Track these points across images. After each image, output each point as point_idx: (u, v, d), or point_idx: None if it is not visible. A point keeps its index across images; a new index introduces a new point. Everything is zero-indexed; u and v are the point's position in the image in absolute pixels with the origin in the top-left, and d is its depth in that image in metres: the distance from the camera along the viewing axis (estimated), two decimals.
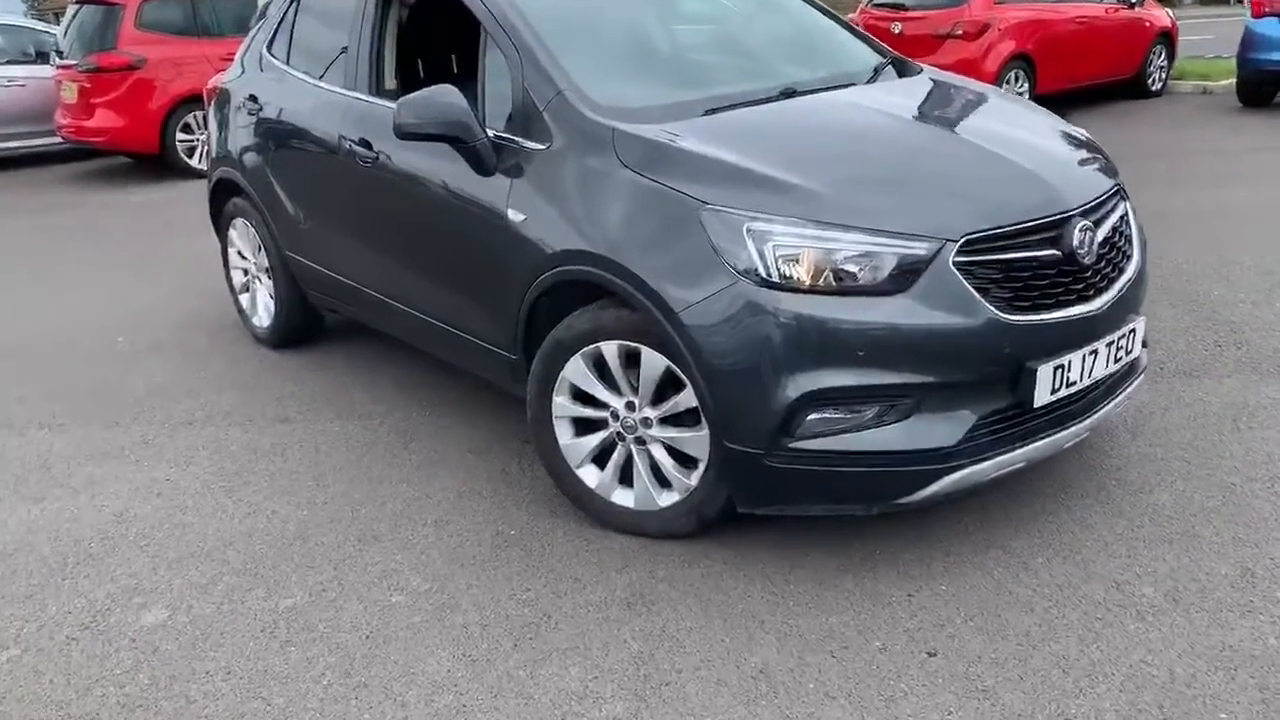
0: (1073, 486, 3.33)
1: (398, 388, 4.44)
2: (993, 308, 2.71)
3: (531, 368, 3.25)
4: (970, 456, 2.79)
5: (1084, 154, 3.25)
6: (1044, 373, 2.77)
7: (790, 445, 2.76)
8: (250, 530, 3.39)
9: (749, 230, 2.73)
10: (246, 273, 5.11)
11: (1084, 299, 2.89)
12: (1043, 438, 2.90)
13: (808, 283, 2.70)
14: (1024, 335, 2.76)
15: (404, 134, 3.33)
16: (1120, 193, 3.18)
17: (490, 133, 3.31)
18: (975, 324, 2.69)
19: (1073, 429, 2.97)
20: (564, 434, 3.25)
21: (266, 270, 4.87)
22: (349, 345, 4.98)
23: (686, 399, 2.95)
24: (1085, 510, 3.20)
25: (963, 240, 2.71)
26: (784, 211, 2.74)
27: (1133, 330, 3.05)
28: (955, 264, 2.69)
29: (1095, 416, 3.04)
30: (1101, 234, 2.97)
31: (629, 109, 3.20)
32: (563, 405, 3.21)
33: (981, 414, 2.81)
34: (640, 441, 3.11)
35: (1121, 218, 3.14)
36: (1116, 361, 3.03)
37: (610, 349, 3.04)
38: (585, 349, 3.09)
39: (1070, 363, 2.84)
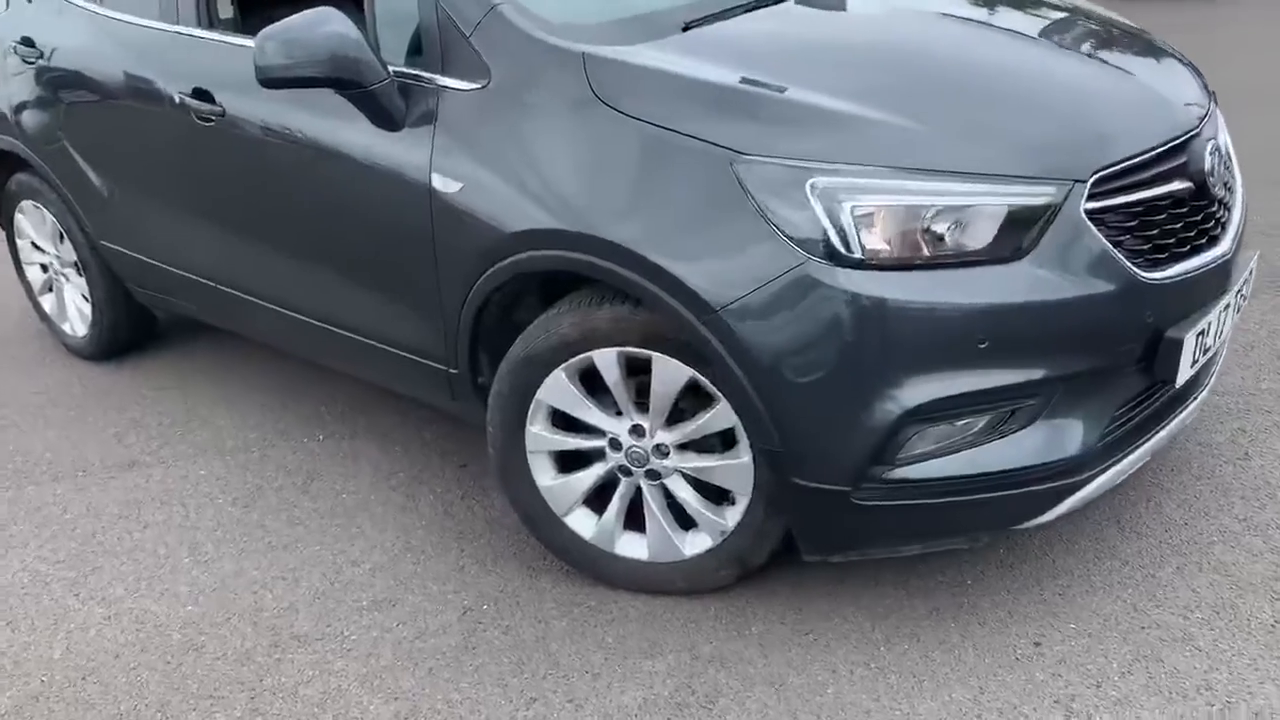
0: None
1: (275, 404, 3.48)
2: (1132, 265, 2.03)
3: (493, 390, 2.40)
4: (1106, 459, 2.15)
5: (1175, 59, 2.58)
6: (1189, 341, 2.12)
7: (887, 476, 2.04)
8: (113, 649, 2.44)
9: (814, 187, 1.95)
10: (46, 269, 3.98)
11: (1214, 240, 2.25)
12: (1170, 422, 2.28)
13: (903, 254, 1.94)
14: (1166, 296, 2.10)
15: (271, 79, 2.36)
16: (1215, 102, 2.54)
17: (390, 70, 2.38)
18: (1115, 289, 2.01)
19: (1194, 403, 2.35)
20: (544, 473, 2.43)
21: (75, 265, 3.76)
22: (197, 349, 3.94)
23: (718, 419, 2.17)
24: (1185, 490, 2.62)
25: (1093, 179, 2.00)
26: (860, 157, 1.96)
27: (1251, 270, 2.43)
28: (1087, 212, 1.99)
29: (1212, 380, 2.43)
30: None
31: (588, 26, 2.34)
32: (540, 436, 2.38)
33: (1117, 406, 2.15)
34: (653, 475, 2.33)
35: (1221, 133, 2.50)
36: (1239, 311, 2.42)
37: (607, 359, 2.23)
38: (570, 361, 2.26)
39: (1210, 324, 2.20)
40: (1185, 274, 2.13)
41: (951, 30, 2.47)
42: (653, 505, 2.36)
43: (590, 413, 2.31)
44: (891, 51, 2.30)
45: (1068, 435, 2.09)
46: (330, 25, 2.30)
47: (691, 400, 2.23)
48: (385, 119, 2.41)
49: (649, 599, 2.42)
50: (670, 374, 2.18)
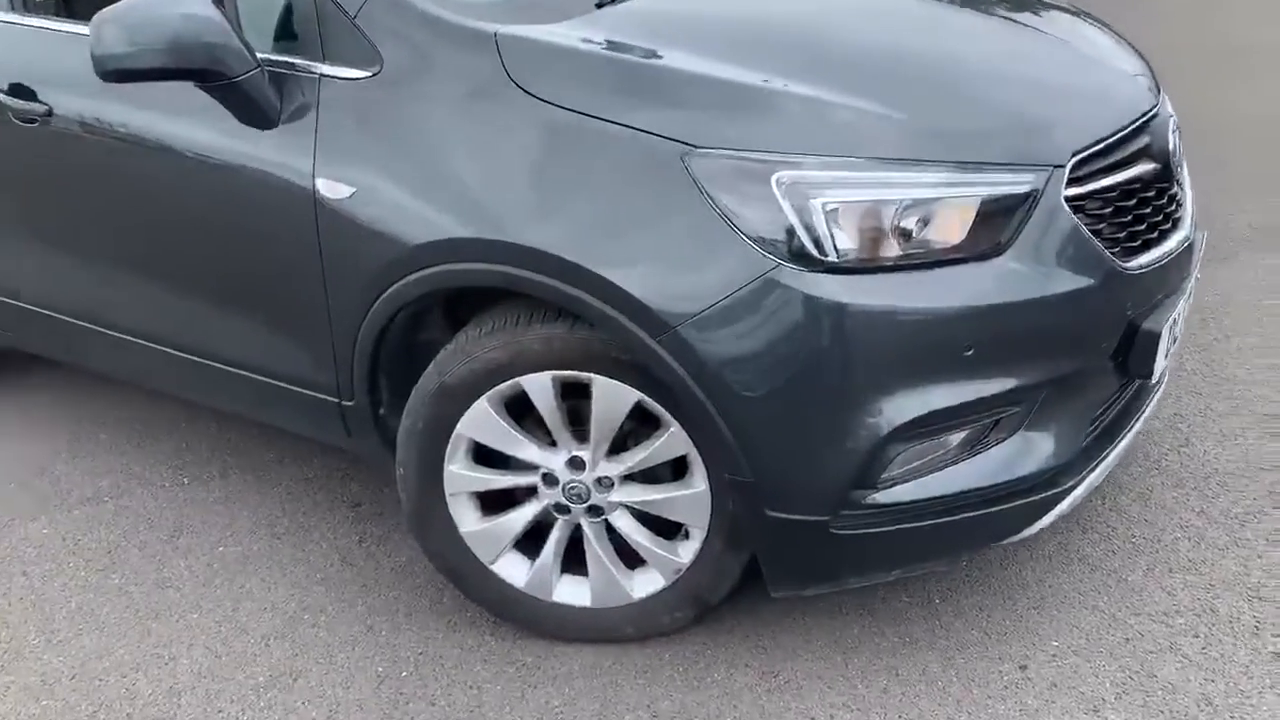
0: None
1: (128, 445, 3.03)
2: (1111, 256, 1.87)
3: (402, 425, 2.08)
4: (1088, 464, 2.00)
5: (1120, 38, 2.44)
6: (1165, 333, 1.98)
7: (868, 501, 1.83)
8: None
9: (779, 182, 1.71)
10: None
11: (1177, 223, 2.12)
12: (1138, 419, 2.15)
13: (879, 255, 1.73)
14: (1141, 286, 1.96)
15: (112, 72, 1.97)
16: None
17: (259, 58, 2.02)
18: (1097, 282, 1.85)
19: (1155, 398, 2.23)
20: (466, 517, 2.12)
21: None
22: (31, 384, 3.43)
23: (669, 446, 1.93)
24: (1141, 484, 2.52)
25: (1072, 162, 1.83)
26: (829, 146, 1.73)
27: (1201, 252, 2.33)
28: (1066, 199, 1.81)
29: (1166, 372, 2.32)
30: None
31: (491, 4, 2.04)
32: (461, 476, 2.08)
33: (1095, 407, 2.00)
34: (595, 511, 2.06)
35: None
36: (1191, 296, 2.31)
37: (539, 384, 1.95)
38: (495, 389, 1.97)
39: (1179, 313, 2.08)
40: (1156, 261, 2.00)
41: (902, 9, 2.26)
42: (595, 545, 2.09)
43: (521, 446, 2.03)
44: (841, 33, 2.07)
45: (1052, 442, 1.92)
46: (184, 4, 1.93)
47: (635, 425, 1.98)
48: (255, 115, 2.05)
49: (595, 650, 2.15)
50: (614, 398, 1.92)
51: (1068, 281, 1.81)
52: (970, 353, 1.75)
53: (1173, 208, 2.09)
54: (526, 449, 2.03)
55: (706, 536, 2.02)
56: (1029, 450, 1.90)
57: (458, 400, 1.99)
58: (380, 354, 2.11)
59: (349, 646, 2.22)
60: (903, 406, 1.75)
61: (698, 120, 1.76)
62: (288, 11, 2.09)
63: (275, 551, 2.54)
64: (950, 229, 1.75)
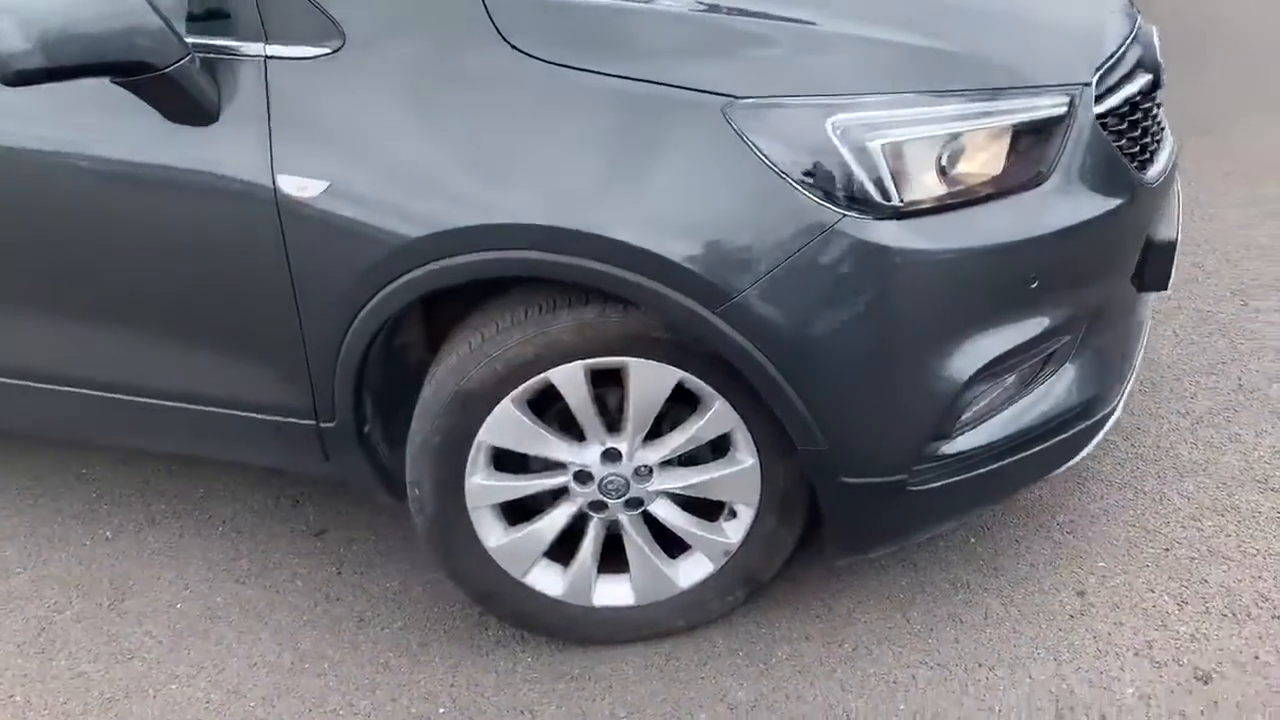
0: None
1: (24, 504, 2.62)
2: (1135, 170, 1.85)
3: (413, 443, 1.86)
4: (1121, 385, 1.98)
5: None
6: (1179, 241, 1.98)
7: (941, 452, 1.75)
8: None
9: (835, 127, 1.58)
10: None
11: (1164, 136, 2.12)
12: (1145, 336, 2.16)
13: (941, 194, 1.64)
14: (1155, 200, 1.95)
15: (15, 74, 1.63)
16: None
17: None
18: (1129, 198, 1.82)
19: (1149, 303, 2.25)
20: (491, 531, 1.93)
21: None
22: None
23: (714, 423, 1.80)
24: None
25: (1096, 79, 1.78)
26: (881, 82, 1.62)
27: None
28: (1095, 116, 1.77)
29: None
30: None
31: None
32: (485, 488, 1.89)
33: (1125, 326, 1.98)
34: (633, 503, 1.91)
35: None
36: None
37: (569, 376, 1.77)
38: (521, 388, 1.78)
39: (1181, 222, 2.09)
40: (1162, 173, 1.99)
41: None
42: (637, 538, 1.94)
43: (551, 445, 1.85)
44: None
45: (1095, 369, 1.90)
46: None
47: (668, 408, 1.83)
48: (189, 110, 1.75)
49: (643, 649, 2.02)
50: (654, 381, 1.77)
51: (1108, 200, 1.77)
52: (1035, 285, 1.69)
53: (1162, 122, 2.09)
54: (556, 448, 1.85)
55: (757, 513, 1.90)
56: (1076, 380, 1.87)
57: (479, 405, 1.79)
58: (366, 366, 1.88)
59: (369, 691, 2.00)
60: (979, 349, 1.67)
61: (734, 69, 1.61)
62: None
63: (244, 599, 2.26)
64: (1006, 157, 1.67)
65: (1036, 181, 1.70)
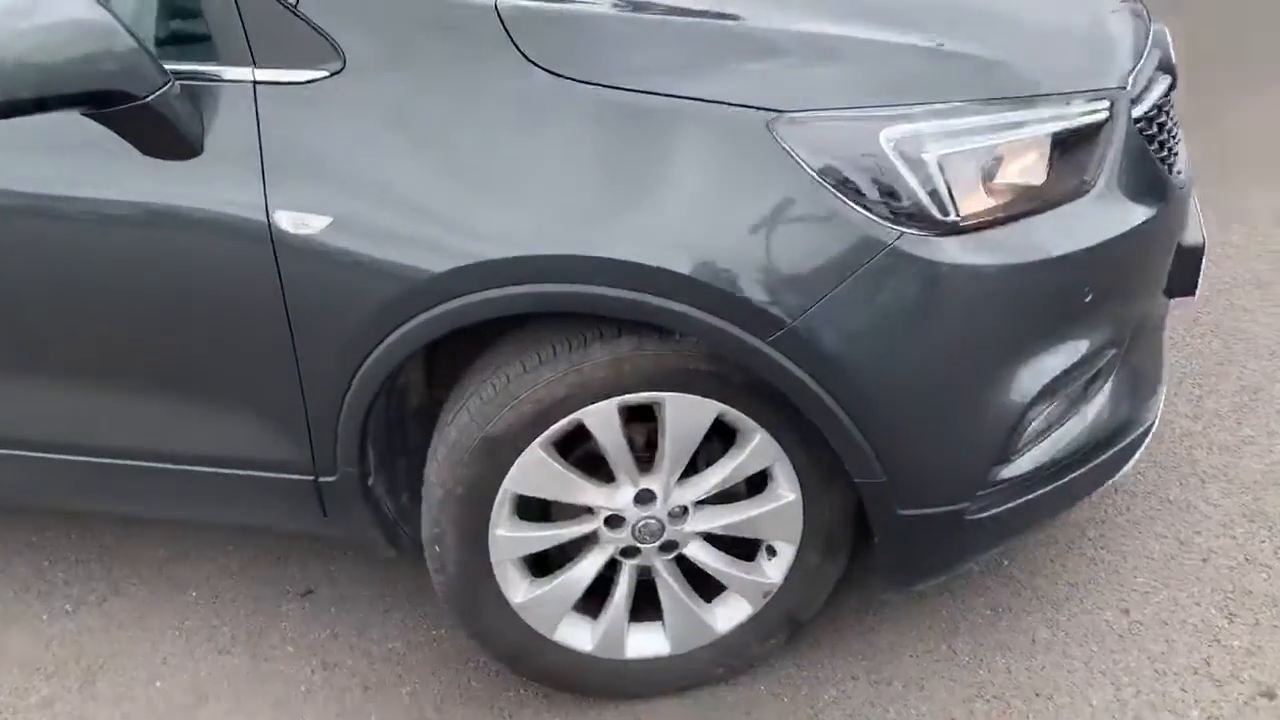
0: None
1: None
2: (1169, 174, 1.80)
3: (432, 496, 1.72)
4: (1158, 395, 1.92)
5: None
6: (1206, 245, 1.94)
7: (1002, 477, 1.67)
8: None
9: (889, 139, 1.49)
10: None
11: (1181, 138, 2.08)
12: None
13: (996, 206, 1.56)
14: (1183, 203, 1.90)
15: None
16: None
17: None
18: (1167, 203, 1.77)
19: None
20: (517, 586, 1.79)
21: None
22: None
23: (755, 457, 1.69)
24: None
25: (1130, 82, 1.73)
26: (932, 94, 1.53)
27: None
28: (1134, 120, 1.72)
29: None
30: None
31: None
32: (511, 539, 1.75)
33: (1158, 335, 1.93)
34: (668, 547, 1.78)
35: None
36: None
37: (602, 415, 1.64)
38: (549, 430, 1.64)
39: (1202, 224, 2.04)
40: (1186, 176, 1.94)
41: None
42: (672, 583, 1.82)
43: (581, 490, 1.72)
44: None
45: (1136, 379, 1.84)
46: (66, 8, 1.44)
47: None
48: (170, 143, 1.58)
49: (680, 701, 1.90)
50: (692, 415, 1.65)
51: (1150, 206, 1.71)
52: (1090, 297, 1.62)
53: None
54: (587, 492, 1.72)
55: (799, 550, 1.80)
56: (1122, 392, 1.81)
57: (505, 452, 1.65)
58: (371, 414, 1.73)
59: None
60: (1042, 366, 1.60)
61: (778, 81, 1.51)
62: (189, 9, 1.63)
63: (232, 671, 2.08)
64: (1052, 166, 1.60)
65: (1083, 190, 1.63)
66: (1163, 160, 1.82)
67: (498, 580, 1.77)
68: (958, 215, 1.50)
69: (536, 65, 1.52)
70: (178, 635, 2.17)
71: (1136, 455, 1.87)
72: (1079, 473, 1.76)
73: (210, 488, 1.88)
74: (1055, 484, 1.74)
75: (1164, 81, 1.89)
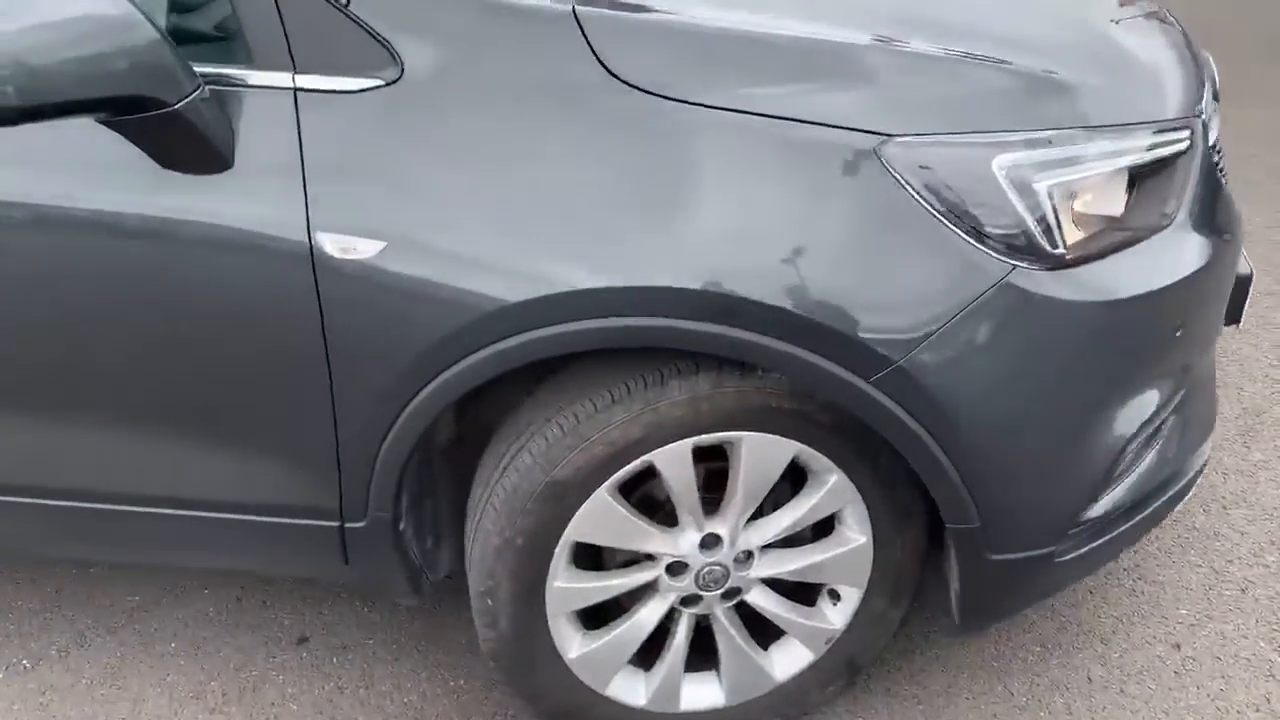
0: None
1: None
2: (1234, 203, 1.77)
3: (486, 546, 1.57)
4: (1211, 427, 1.89)
5: None
6: (1251, 278, 1.92)
7: (1087, 517, 1.61)
8: None
9: (1001, 167, 1.40)
10: None
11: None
12: None
13: (1099, 237, 1.49)
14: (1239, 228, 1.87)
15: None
16: None
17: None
18: (1236, 231, 1.74)
19: None
20: (571, 640, 1.66)
21: None
22: None
23: (831, 499, 1.59)
24: None
25: (1198, 108, 1.69)
26: (1044, 118, 1.45)
27: None
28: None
29: None
30: None
31: None
32: (569, 591, 1.61)
33: (1212, 368, 1.91)
34: (730, 594, 1.67)
35: None
36: None
37: (674, 456, 1.52)
38: (618, 473, 1.52)
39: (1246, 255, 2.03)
40: (1232, 200, 1.92)
41: None
42: (731, 631, 1.71)
43: (646, 537, 1.59)
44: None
45: (1198, 412, 1.80)
46: (100, 5, 1.25)
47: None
48: (200, 156, 1.40)
49: None
50: (769, 455, 1.54)
51: (1225, 234, 1.68)
52: (1180, 332, 1.57)
53: None
54: (652, 538, 1.60)
55: (865, 594, 1.70)
56: (1186, 427, 1.77)
57: (570, 497, 1.52)
58: (412, 455, 1.57)
59: None
60: (1141, 404, 1.55)
61: (885, 103, 1.41)
62: (209, 3, 1.46)
63: None
64: (1138, 196, 1.54)
65: (1168, 220, 1.58)
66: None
67: (552, 635, 1.63)
68: (1064, 248, 1.43)
69: (621, 80, 1.39)
70: (159, 692, 1.96)
71: (1192, 489, 1.83)
72: (1151, 508, 1.72)
73: (221, 534, 1.69)
74: (1131, 521, 1.69)
75: (1217, 109, 1.86)
